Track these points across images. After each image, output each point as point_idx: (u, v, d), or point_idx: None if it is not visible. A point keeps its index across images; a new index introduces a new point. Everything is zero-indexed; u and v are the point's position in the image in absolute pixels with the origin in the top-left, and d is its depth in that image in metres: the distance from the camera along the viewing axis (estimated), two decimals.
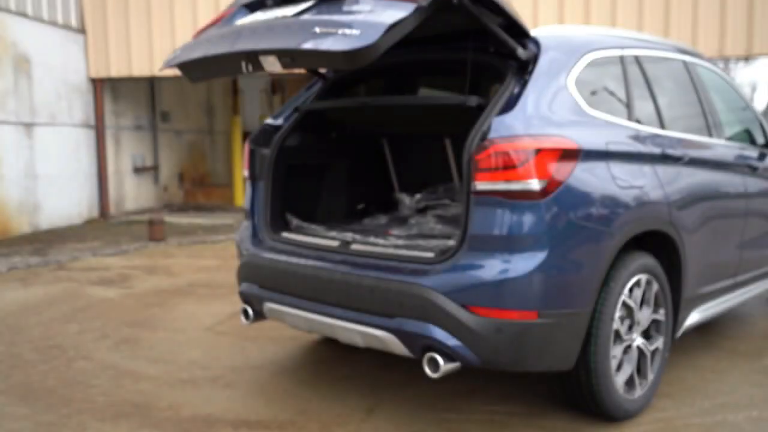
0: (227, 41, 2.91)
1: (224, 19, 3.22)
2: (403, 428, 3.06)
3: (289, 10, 2.91)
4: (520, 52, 2.88)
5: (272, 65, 2.71)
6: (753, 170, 4.10)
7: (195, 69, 3.11)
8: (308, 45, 2.55)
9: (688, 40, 9.34)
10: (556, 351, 2.77)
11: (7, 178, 9.32)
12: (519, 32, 2.91)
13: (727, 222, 3.80)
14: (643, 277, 3.11)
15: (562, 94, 2.93)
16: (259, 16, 3.04)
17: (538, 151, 2.66)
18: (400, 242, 3.23)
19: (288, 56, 2.66)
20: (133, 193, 12.26)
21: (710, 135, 3.91)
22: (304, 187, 3.88)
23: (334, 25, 2.55)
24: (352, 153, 4.18)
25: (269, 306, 3.32)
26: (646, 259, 3.12)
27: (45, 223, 10.08)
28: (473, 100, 2.93)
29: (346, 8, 2.70)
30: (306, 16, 2.80)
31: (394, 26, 2.44)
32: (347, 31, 2.48)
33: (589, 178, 2.82)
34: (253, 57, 2.74)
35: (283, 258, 3.26)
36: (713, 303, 3.83)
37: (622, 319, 3.04)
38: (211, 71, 3.18)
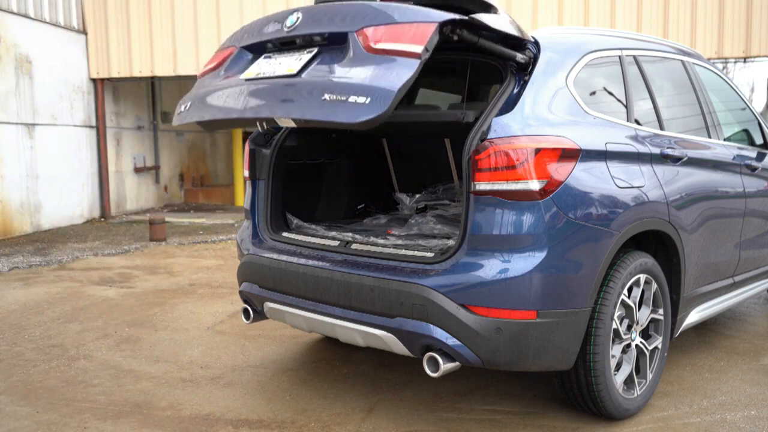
0: (237, 103, 2.89)
1: (227, 64, 3.19)
2: (403, 427, 3.08)
3: (292, 62, 2.87)
4: (519, 57, 2.88)
5: (286, 123, 2.78)
6: (751, 170, 4.11)
7: (209, 124, 3.14)
8: (320, 116, 2.56)
9: (687, 41, 9.36)
10: (555, 350, 2.78)
11: (8, 178, 9.34)
12: (518, 41, 2.91)
13: (726, 222, 3.81)
14: (642, 277, 3.12)
15: (562, 95, 2.95)
16: (263, 67, 2.99)
17: (538, 151, 2.68)
18: (400, 242, 3.24)
19: (301, 121, 2.70)
20: (133, 193, 12.29)
21: (709, 135, 3.92)
22: (304, 187, 3.89)
23: (342, 91, 2.53)
24: (352, 153, 4.19)
25: (269, 305, 3.33)
26: (645, 259, 3.13)
27: (46, 222, 10.10)
28: (470, 116, 2.90)
29: (349, 64, 2.66)
30: (311, 75, 2.76)
31: (401, 88, 2.45)
32: (357, 99, 2.47)
33: (588, 178, 2.83)
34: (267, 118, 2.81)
35: (283, 258, 3.27)
36: (712, 302, 3.84)
37: (621, 318, 3.06)
38: (225, 126, 3.28)
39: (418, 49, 2.48)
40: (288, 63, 2.88)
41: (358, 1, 2.86)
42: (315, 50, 2.84)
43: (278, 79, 2.83)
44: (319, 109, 2.56)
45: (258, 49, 3.10)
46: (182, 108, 3.18)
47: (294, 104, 2.68)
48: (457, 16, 2.56)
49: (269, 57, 3.03)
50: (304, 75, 2.77)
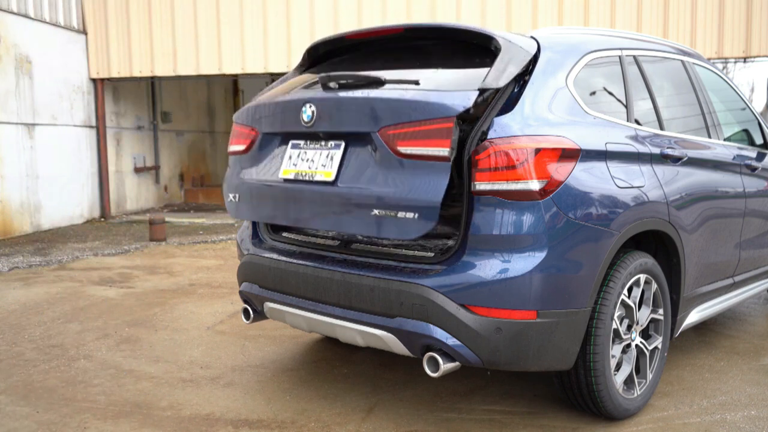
0: (287, 209, 3.14)
1: (255, 148, 3.35)
2: (403, 427, 3.08)
3: (324, 160, 3.02)
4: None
5: None
6: (751, 170, 4.11)
7: None
8: (375, 233, 2.81)
9: (687, 41, 9.36)
10: (555, 350, 2.78)
11: (8, 178, 9.34)
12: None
13: (726, 222, 3.81)
14: (642, 277, 3.12)
15: (562, 95, 2.94)
16: (297, 163, 3.13)
17: (538, 151, 2.68)
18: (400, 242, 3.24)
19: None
20: (133, 193, 12.28)
21: (709, 135, 3.92)
22: None
23: (389, 206, 2.73)
24: None
25: (269, 305, 3.33)
26: (645, 259, 3.13)
27: (46, 222, 10.10)
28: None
29: (383, 170, 2.80)
30: (350, 184, 2.91)
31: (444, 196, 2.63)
32: (406, 214, 2.69)
33: (588, 178, 2.83)
34: None
35: (283, 258, 3.27)
36: (712, 302, 3.84)
37: (621, 318, 3.06)
38: None
39: (446, 152, 2.63)
40: (320, 161, 3.04)
41: (367, 91, 2.92)
42: (342, 145, 2.99)
43: (318, 187, 3.02)
44: (373, 225, 2.80)
45: (282, 134, 3.26)
46: (232, 197, 3.42)
47: (347, 220, 2.91)
48: (469, 103, 2.63)
49: (298, 146, 3.19)
50: (341, 184, 2.95)
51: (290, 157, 3.19)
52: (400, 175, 2.75)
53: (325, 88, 3.07)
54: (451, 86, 2.83)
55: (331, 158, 3.00)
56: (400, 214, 2.70)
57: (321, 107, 2.99)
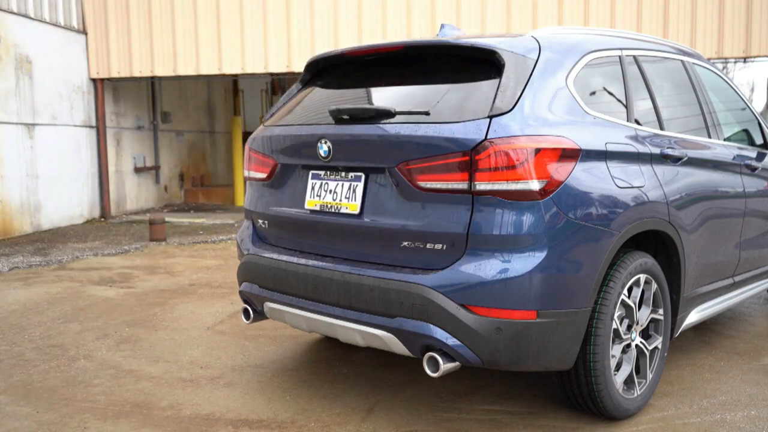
0: (321, 244, 3.17)
1: (276, 177, 3.38)
2: (403, 427, 3.08)
3: (346, 192, 3.06)
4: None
5: None
6: (752, 170, 4.11)
7: None
8: (408, 263, 2.84)
9: (687, 41, 9.37)
10: (555, 350, 2.78)
11: (8, 178, 9.34)
12: None
13: (726, 222, 3.81)
14: (642, 277, 3.12)
15: (562, 95, 2.94)
16: (322, 194, 3.15)
17: (538, 151, 2.68)
18: None
19: None
20: (133, 193, 12.29)
21: (709, 135, 3.92)
22: None
23: (418, 237, 2.79)
24: None
25: (269, 305, 3.33)
26: (645, 259, 3.13)
27: (46, 222, 10.10)
28: None
29: (406, 203, 2.84)
30: (375, 217, 2.94)
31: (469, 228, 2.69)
32: (435, 245, 2.75)
33: (588, 178, 2.83)
34: None
35: (283, 258, 3.27)
36: (712, 302, 3.84)
37: (621, 318, 3.06)
38: None
39: (465, 185, 2.68)
40: (343, 193, 3.08)
41: (379, 126, 2.93)
42: (362, 177, 3.02)
43: (345, 219, 3.05)
44: (403, 256, 2.85)
45: (301, 165, 3.29)
46: (261, 223, 3.48)
47: (376, 251, 2.96)
48: (482, 135, 2.66)
49: (318, 177, 3.21)
50: (367, 218, 2.98)
51: (313, 188, 3.22)
52: (424, 208, 2.79)
53: (338, 121, 3.09)
54: (461, 113, 2.81)
55: (354, 190, 3.03)
56: (429, 245, 2.76)
57: (336, 143, 3.03)
